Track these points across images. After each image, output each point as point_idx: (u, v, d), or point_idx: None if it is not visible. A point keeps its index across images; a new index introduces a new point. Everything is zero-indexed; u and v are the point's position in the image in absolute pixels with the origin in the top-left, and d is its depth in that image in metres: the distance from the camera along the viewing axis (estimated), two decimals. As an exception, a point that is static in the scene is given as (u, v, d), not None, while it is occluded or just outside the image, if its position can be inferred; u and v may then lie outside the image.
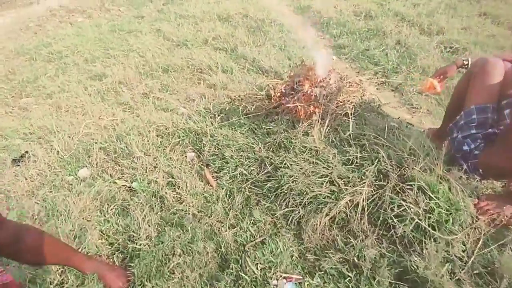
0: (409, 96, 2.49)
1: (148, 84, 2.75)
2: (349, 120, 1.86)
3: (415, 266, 1.25)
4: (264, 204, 1.62)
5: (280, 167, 1.69)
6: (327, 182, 1.56)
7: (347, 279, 1.28)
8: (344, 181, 1.54)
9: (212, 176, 1.81)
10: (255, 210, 1.60)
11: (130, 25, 4.06)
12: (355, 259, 1.32)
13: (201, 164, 1.89)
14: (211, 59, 2.99)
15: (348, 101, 1.93)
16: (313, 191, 1.53)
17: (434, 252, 1.29)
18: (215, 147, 1.93)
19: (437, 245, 1.30)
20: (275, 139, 1.86)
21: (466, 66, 1.66)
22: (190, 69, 2.93)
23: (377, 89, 2.57)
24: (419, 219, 1.35)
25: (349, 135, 1.76)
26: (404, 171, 1.51)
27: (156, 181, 1.77)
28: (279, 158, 1.75)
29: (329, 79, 1.96)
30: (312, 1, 4.29)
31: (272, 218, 1.57)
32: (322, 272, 1.32)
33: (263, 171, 1.75)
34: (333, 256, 1.34)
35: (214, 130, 2.03)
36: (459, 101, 1.65)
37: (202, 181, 1.78)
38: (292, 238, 1.48)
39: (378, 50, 3.14)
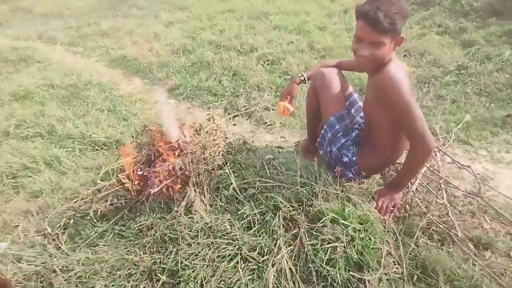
0: (259, 115, 2.39)
1: None
2: (224, 172, 1.54)
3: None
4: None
5: (176, 270, 1.22)
6: (240, 261, 1.20)
7: None
8: (258, 252, 1.20)
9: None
10: None
11: None
12: None
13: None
14: (23, 155, 2.11)
15: (215, 151, 1.60)
16: (230, 283, 1.14)
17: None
18: (75, 286, 1.26)
19: (379, 274, 1.14)
20: (154, 235, 1.36)
21: (304, 81, 1.60)
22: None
23: (234, 124, 2.36)
24: (351, 256, 1.16)
25: (234, 189, 1.44)
26: (308, 208, 1.31)
27: None
28: (169, 258, 1.27)
29: (185, 137, 1.58)
30: (124, 50, 3.74)
31: None
32: None
33: (157, 286, 1.23)
34: None
35: (66, 261, 1.34)
36: (315, 113, 1.59)
37: None
38: None
39: (210, 80, 2.96)
